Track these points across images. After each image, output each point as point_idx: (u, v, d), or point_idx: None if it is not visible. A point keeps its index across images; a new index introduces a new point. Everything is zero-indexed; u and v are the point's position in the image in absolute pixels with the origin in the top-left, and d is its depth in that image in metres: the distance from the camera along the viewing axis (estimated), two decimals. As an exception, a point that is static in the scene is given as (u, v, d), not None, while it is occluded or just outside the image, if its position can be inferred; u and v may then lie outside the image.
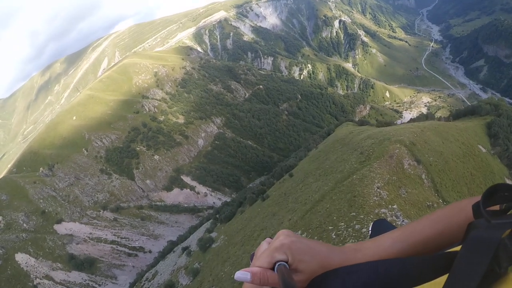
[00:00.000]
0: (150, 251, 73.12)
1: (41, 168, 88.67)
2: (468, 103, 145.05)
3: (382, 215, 16.46)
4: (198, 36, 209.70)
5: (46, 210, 77.50)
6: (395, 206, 17.47)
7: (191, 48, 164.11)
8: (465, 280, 0.78)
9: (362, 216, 17.05)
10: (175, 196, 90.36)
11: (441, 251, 1.09)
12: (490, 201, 0.95)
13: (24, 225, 73.57)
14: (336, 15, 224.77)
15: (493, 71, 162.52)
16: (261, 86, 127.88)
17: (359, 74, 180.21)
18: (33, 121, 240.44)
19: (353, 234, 15.68)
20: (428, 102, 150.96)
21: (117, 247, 74.00)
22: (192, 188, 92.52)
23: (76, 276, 66.92)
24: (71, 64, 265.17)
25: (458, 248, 0.93)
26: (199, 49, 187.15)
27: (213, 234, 42.25)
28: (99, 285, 66.25)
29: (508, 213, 0.92)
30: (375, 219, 3.38)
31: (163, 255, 57.14)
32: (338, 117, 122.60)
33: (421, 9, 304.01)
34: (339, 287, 1.05)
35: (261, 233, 25.56)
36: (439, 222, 1.16)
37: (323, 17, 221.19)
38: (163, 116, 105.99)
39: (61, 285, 64.76)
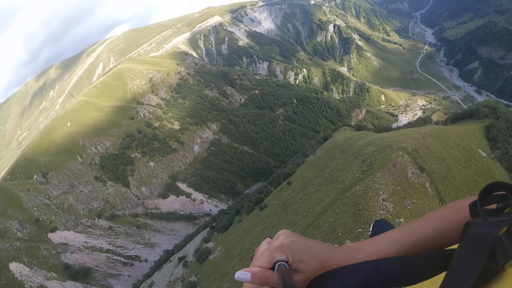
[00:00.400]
0: (146, 260, 71.97)
1: (35, 176, 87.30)
2: (463, 105, 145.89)
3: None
4: (193, 41, 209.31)
5: (40, 219, 76.24)
6: (402, 220, 16.80)
7: (186, 53, 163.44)
8: (462, 277, 0.79)
9: (369, 233, 16.13)
10: (171, 203, 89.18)
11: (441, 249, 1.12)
12: (486, 200, 0.97)
13: (18, 233, 72.35)
14: (331, 20, 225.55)
15: (487, 73, 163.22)
16: (256, 91, 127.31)
17: (354, 78, 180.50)
18: (27, 127, 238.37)
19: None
20: (423, 105, 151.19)
21: (112, 256, 72.84)
22: (188, 195, 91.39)
23: (71, 286, 65.84)
24: (66, 69, 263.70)
25: (456, 246, 0.95)
26: (194, 54, 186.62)
27: (210, 244, 41.30)
28: (94, 295, 65.09)
29: (505, 211, 0.94)
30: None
31: (159, 264, 56.09)
32: (334, 122, 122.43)
33: (415, 12, 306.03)
34: (339, 286, 1.06)
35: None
36: (438, 222, 1.18)
37: (318, 22, 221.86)
38: (158, 122, 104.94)
39: (55, 295, 63.55)
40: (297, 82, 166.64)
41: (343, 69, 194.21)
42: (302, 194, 28.49)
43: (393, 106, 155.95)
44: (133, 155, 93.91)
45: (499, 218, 0.87)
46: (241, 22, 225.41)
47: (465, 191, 25.79)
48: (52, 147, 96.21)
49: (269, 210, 33.01)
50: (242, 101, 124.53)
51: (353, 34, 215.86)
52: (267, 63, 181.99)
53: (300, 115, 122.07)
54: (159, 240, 78.61)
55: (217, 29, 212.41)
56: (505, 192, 0.95)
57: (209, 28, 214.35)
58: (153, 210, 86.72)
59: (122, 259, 71.95)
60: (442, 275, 0.88)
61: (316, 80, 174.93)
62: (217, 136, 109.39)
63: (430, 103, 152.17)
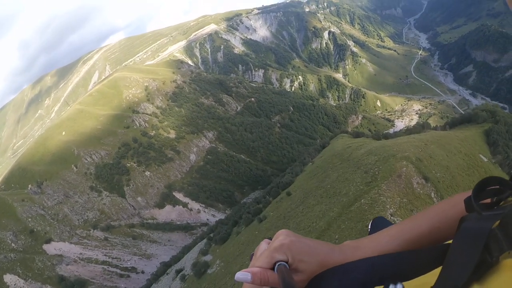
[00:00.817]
0: (142, 272, 70.60)
1: (29, 185, 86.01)
2: (459, 109, 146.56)
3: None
4: (188, 49, 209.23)
5: (35, 229, 75.00)
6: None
7: (181, 62, 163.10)
8: (458, 270, 0.80)
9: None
10: (168, 213, 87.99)
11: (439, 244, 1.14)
12: (481, 195, 0.98)
13: (13, 244, 71.13)
14: (325, 27, 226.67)
15: (482, 76, 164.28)
16: (252, 99, 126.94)
17: (350, 84, 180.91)
18: (23, 135, 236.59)
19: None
20: (419, 109, 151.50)
21: (108, 267, 71.46)
22: (184, 205, 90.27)
23: (67, 299, 64.33)
24: (61, 77, 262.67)
25: (451, 241, 0.96)
26: (190, 62, 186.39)
27: (208, 257, 40.33)
28: (91, 308, 63.61)
29: (500, 205, 0.95)
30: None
31: (156, 277, 54.89)
32: (331, 128, 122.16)
33: (408, 18, 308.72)
34: (337, 285, 1.07)
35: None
36: (434, 217, 1.20)
37: (313, 29, 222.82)
38: (154, 131, 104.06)
39: (51, 309, 62.07)
40: (293, 89, 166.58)
41: (339, 76, 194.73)
42: (303, 207, 27.70)
43: (389, 112, 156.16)
44: (128, 165, 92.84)
45: (492, 212, 0.88)
46: (237, 30, 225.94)
47: (470, 199, 25.09)
48: (47, 156, 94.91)
49: (268, 222, 32.18)
50: (238, 109, 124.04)
51: (348, 41, 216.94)
52: (263, 71, 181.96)
53: (297, 122, 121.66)
54: (155, 251, 77.28)
55: (213, 37, 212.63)
56: (499, 187, 0.96)
57: (204, 36, 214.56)
58: (150, 221, 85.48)
59: (118, 271, 70.55)
60: (439, 270, 0.90)
61: (312, 87, 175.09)
62: (213, 145, 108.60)
63: (426, 108, 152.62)
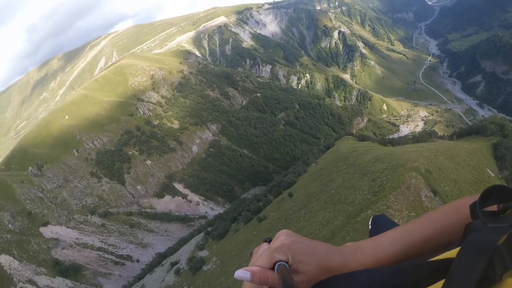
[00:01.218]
0: (138, 261, 70.49)
1: (30, 167, 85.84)
2: (465, 118, 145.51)
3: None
4: (197, 41, 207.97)
5: (33, 212, 74.79)
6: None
7: (189, 52, 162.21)
8: (460, 285, 0.79)
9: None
10: (166, 203, 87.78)
11: (440, 251, 1.11)
12: (487, 202, 0.97)
13: (9, 225, 70.93)
14: (336, 26, 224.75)
15: (490, 87, 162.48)
16: (258, 94, 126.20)
17: (357, 86, 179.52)
18: (26, 116, 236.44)
19: None
20: (425, 116, 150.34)
21: (104, 254, 71.34)
22: (184, 196, 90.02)
23: (61, 283, 64.29)
24: (68, 61, 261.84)
25: (454, 251, 0.95)
26: (197, 53, 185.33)
27: (204, 253, 39.95)
28: (84, 293, 63.55)
29: (506, 212, 0.94)
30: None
31: (150, 267, 54.65)
32: (336, 129, 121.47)
33: (420, 22, 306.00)
34: None
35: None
36: (438, 221, 1.18)
37: (323, 27, 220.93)
38: (157, 120, 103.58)
39: (44, 291, 62.00)
40: (299, 87, 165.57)
41: (346, 76, 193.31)
42: (305, 211, 27.15)
43: (394, 116, 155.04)
44: (130, 152, 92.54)
45: (498, 224, 0.87)
46: (246, 24, 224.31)
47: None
48: (49, 139, 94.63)
49: (268, 223, 31.68)
50: (244, 103, 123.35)
51: (357, 42, 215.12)
52: (271, 66, 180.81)
53: (302, 121, 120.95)
54: (152, 240, 77.14)
55: (222, 29, 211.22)
56: (505, 195, 0.95)
57: (213, 28, 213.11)
58: (148, 210, 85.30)
59: (114, 258, 70.44)
60: (440, 283, 0.89)
61: (319, 85, 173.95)
62: (216, 138, 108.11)
63: (432, 115, 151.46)
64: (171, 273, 42.68)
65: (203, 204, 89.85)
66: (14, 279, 62.50)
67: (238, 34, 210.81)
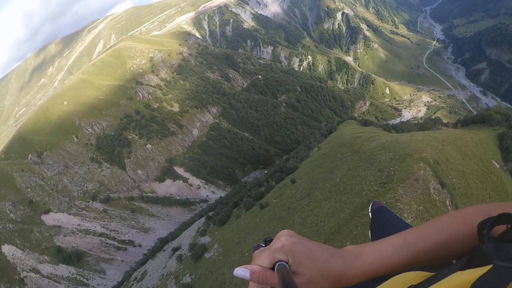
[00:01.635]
0: (140, 245, 70.97)
1: (29, 155, 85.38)
2: (468, 105, 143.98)
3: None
4: (197, 22, 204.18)
5: (34, 200, 74.83)
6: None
7: (189, 34, 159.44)
8: None
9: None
10: (167, 187, 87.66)
11: (442, 262, 1.11)
12: (496, 223, 0.96)
13: (11, 215, 71.21)
14: (339, 7, 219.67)
15: (494, 75, 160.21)
16: (260, 76, 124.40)
17: (360, 69, 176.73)
18: (25, 103, 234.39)
19: None
20: (428, 101, 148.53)
21: (106, 240, 71.74)
22: (185, 180, 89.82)
23: (64, 270, 64.93)
24: (66, 45, 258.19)
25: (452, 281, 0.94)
26: (197, 34, 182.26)
27: (206, 239, 39.73)
28: (87, 279, 64.17)
29: None
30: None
31: (152, 253, 54.80)
32: (338, 112, 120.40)
33: (425, 6, 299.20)
34: None
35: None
36: (443, 232, 1.15)
37: (326, 8, 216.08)
38: (157, 104, 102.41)
39: (48, 279, 62.68)
40: (301, 69, 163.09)
41: (349, 59, 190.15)
42: (309, 199, 26.55)
43: (397, 100, 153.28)
44: (130, 137, 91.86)
45: (505, 264, 0.83)
46: (247, 4, 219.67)
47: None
48: (47, 126, 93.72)
49: (271, 211, 31.16)
50: (245, 85, 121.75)
51: (361, 24, 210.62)
52: (272, 48, 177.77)
53: (303, 103, 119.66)
54: (153, 225, 77.42)
55: (222, 10, 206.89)
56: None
57: (214, 8, 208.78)
58: (149, 194, 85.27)
59: (116, 244, 70.84)
60: None
61: (321, 68, 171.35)
62: (217, 121, 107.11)
63: (435, 100, 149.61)
64: (173, 259, 42.63)
65: (204, 187, 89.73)
66: (18, 268, 63.06)
67: (238, 14, 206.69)
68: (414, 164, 22.32)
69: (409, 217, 17.44)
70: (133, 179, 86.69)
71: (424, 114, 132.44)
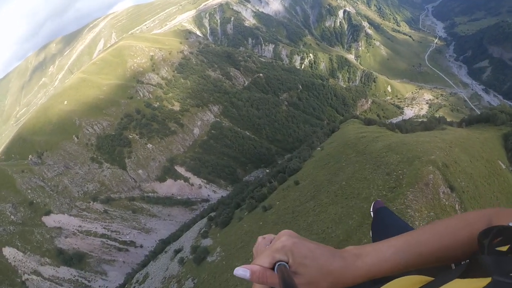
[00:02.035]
0: (141, 246, 70.48)
1: (30, 156, 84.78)
2: (470, 103, 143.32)
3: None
4: (197, 20, 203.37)
5: (34, 201, 74.26)
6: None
7: (190, 32, 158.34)
8: None
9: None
10: (168, 187, 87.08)
11: (443, 265, 1.12)
12: (497, 236, 0.96)
13: (12, 217, 70.67)
14: (341, 5, 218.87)
15: (496, 73, 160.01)
16: (261, 74, 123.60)
17: (361, 67, 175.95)
18: (26, 103, 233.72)
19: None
20: (429, 99, 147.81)
21: (107, 241, 71.21)
22: (186, 180, 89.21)
23: (65, 272, 64.49)
24: (66, 44, 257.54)
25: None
26: (198, 33, 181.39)
27: (208, 242, 39.10)
28: (89, 281, 63.72)
29: None
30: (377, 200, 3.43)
31: (154, 255, 54.21)
32: (339, 110, 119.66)
33: (427, 4, 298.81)
34: None
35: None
36: (445, 236, 1.15)
37: (327, 6, 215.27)
38: (157, 103, 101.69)
39: (50, 281, 62.25)
40: (302, 67, 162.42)
41: (351, 57, 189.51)
42: (314, 203, 25.90)
43: (399, 98, 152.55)
44: (130, 136, 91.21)
45: (503, 279, 0.83)
46: (248, 2, 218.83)
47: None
48: (47, 126, 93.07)
49: (274, 214, 30.50)
50: (246, 84, 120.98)
51: (362, 22, 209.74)
52: (273, 46, 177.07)
53: (305, 102, 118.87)
54: (155, 225, 76.89)
55: (223, 8, 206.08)
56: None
57: (215, 6, 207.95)
58: (150, 194, 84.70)
59: (117, 244, 70.31)
60: None
61: (323, 66, 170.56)
62: (218, 119, 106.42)
63: (437, 98, 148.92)
64: (175, 261, 41.99)
65: (205, 187, 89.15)
66: (19, 271, 62.60)
67: (240, 12, 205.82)
68: (423, 167, 21.64)
69: (421, 224, 16.77)
70: (134, 179, 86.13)
71: (426, 112, 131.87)
